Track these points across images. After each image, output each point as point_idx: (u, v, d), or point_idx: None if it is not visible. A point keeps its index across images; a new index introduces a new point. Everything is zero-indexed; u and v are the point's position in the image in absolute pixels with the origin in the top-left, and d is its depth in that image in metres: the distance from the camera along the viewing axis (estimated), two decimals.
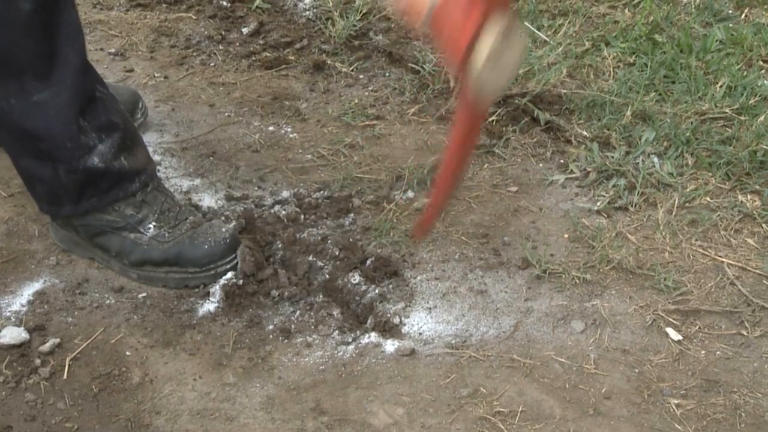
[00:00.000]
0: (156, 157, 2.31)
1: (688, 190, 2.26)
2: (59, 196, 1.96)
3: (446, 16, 1.47)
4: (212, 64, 2.69)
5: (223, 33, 2.82)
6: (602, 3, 2.97)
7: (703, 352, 1.89)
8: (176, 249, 1.97)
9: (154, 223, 1.99)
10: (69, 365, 1.81)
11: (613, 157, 2.33)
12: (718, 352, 1.89)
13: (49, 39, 1.82)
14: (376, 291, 1.98)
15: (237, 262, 1.98)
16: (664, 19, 2.83)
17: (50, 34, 1.82)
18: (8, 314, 1.90)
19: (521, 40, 1.49)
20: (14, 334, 1.83)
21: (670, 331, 1.93)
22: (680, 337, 1.91)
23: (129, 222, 1.99)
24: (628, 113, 2.44)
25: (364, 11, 2.87)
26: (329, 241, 2.09)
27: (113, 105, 1.98)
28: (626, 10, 2.92)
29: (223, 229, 2.00)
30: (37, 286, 1.97)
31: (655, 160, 2.33)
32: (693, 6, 2.93)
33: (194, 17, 2.89)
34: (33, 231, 2.10)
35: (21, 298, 1.94)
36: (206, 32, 2.82)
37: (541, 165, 2.36)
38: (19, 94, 1.84)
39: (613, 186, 2.27)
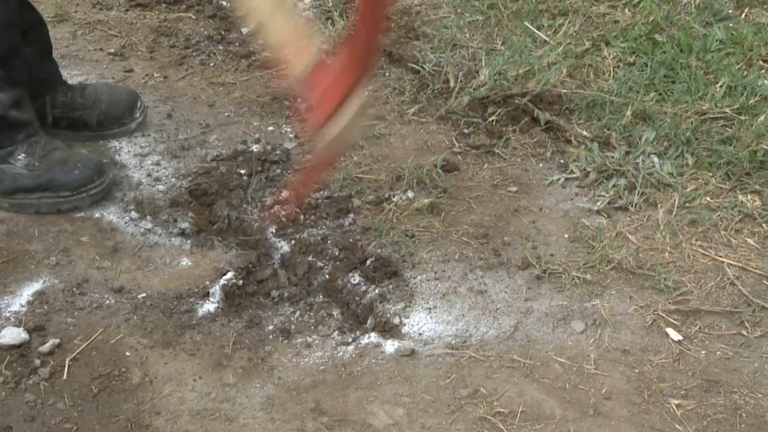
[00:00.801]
0: (155, 157, 2.32)
1: (688, 190, 2.26)
2: None
3: (319, 78, 1.69)
4: (212, 64, 2.69)
5: (222, 33, 2.82)
6: (602, 3, 2.97)
7: (703, 352, 1.89)
8: (48, 175, 2.10)
9: (23, 155, 2.11)
10: (69, 366, 1.81)
11: (613, 157, 2.33)
12: (718, 353, 1.89)
13: None
14: (376, 291, 1.98)
15: (106, 185, 2.15)
16: (664, 19, 2.83)
17: None
18: (8, 314, 1.90)
19: (367, 117, 1.76)
20: (14, 335, 1.83)
21: (670, 331, 1.93)
22: (680, 338, 1.91)
23: None
24: (628, 113, 2.44)
25: None
26: (329, 242, 2.09)
27: (36, 71, 2.19)
28: (626, 10, 2.91)
29: (93, 157, 2.16)
30: (36, 286, 1.97)
31: (655, 160, 2.33)
32: (693, 6, 2.93)
33: (194, 17, 2.89)
34: (33, 232, 2.10)
35: (20, 299, 1.94)
36: (206, 32, 2.82)
37: (541, 165, 2.36)
38: None
39: (613, 186, 2.27)
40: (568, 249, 2.11)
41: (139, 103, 2.40)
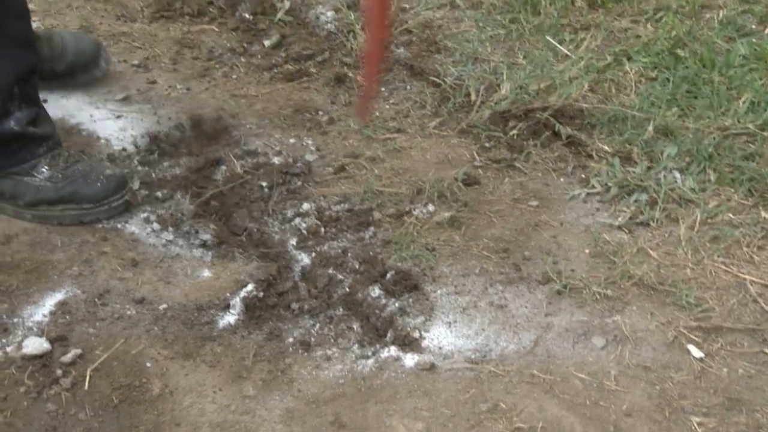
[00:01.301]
0: (176, 171, 2.33)
1: (710, 206, 2.25)
2: None
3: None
4: (234, 77, 2.71)
5: (245, 45, 2.84)
6: (624, 17, 2.97)
7: (725, 369, 1.88)
8: (71, 188, 2.13)
9: (46, 168, 2.15)
10: (90, 376, 1.82)
11: (634, 172, 2.33)
12: (740, 370, 1.88)
13: None
14: (396, 305, 1.98)
15: (127, 198, 2.18)
16: (686, 34, 2.82)
17: None
18: (30, 324, 1.92)
19: None
20: (36, 345, 1.85)
21: (691, 348, 1.92)
22: (702, 355, 1.90)
23: (22, 167, 2.14)
24: (650, 128, 2.44)
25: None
26: (349, 254, 2.10)
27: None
28: (648, 25, 2.91)
29: (115, 170, 2.20)
30: (59, 296, 1.99)
31: (677, 175, 2.33)
32: (716, 21, 2.92)
33: (217, 29, 2.91)
34: (56, 241, 2.11)
35: (43, 309, 1.95)
36: (228, 44, 2.84)
37: (562, 179, 2.36)
38: None
39: (635, 201, 2.26)
40: (588, 264, 2.11)
41: (102, 52, 2.57)
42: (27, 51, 2.11)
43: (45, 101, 2.30)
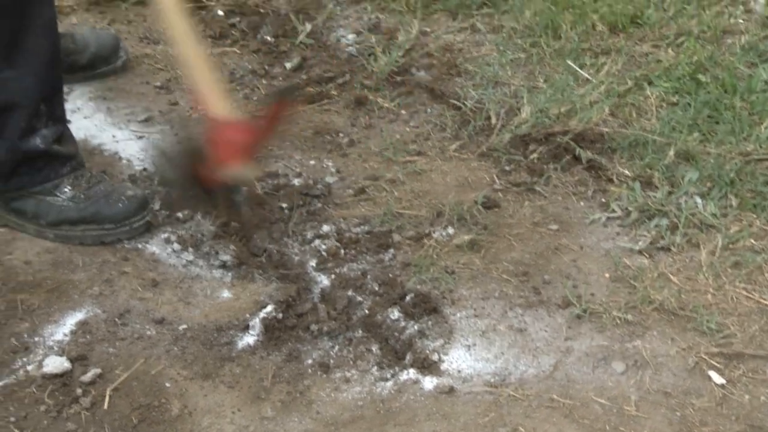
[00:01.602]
0: None
1: (731, 231, 2.24)
2: None
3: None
4: (255, 99, 2.73)
5: (266, 67, 2.86)
6: (645, 42, 2.97)
7: (747, 396, 1.87)
8: (93, 208, 2.16)
9: (68, 188, 2.17)
10: (109, 395, 1.83)
11: (655, 196, 2.33)
12: (762, 397, 1.87)
13: (21, 29, 2.03)
14: (416, 327, 1.98)
15: (148, 219, 2.20)
16: (708, 59, 2.82)
17: (23, 25, 2.03)
18: (51, 343, 1.93)
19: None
20: (56, 364, 1.86)
21: (713, 374, 1.91)
22: (723, 381, 1.89)
23: (45, 186, 2.16)
24: (671, 153, 2.44)
25: (407, 47, 2.89)
26: (369, 276, 2.11)
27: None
28: (669, 50, 2.92)
29: (136, 191, 2.23)
30: (79, 316, 2.00)
31: (698, 200, 2.32)
32: (738, 46, 2.92)
33: (238, 52, 2.93)
34: (77, 261, 2.13)
35: (64, 328, 1.97)
36: (250, 66, 2.86)
37: (582, 203, 2.36)
38: None
39: (655, 226, 2.26)
40: (609, 289, 2.10)
41: (121, 44, 2.77)
42: (54, 69, 2.14)
43: (69, 122, 2.32)
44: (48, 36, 2.10)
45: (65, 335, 1.95)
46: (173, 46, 2.00)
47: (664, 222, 2.26)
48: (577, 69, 2.80)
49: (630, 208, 2.31)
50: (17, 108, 2.09)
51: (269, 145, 2.31)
